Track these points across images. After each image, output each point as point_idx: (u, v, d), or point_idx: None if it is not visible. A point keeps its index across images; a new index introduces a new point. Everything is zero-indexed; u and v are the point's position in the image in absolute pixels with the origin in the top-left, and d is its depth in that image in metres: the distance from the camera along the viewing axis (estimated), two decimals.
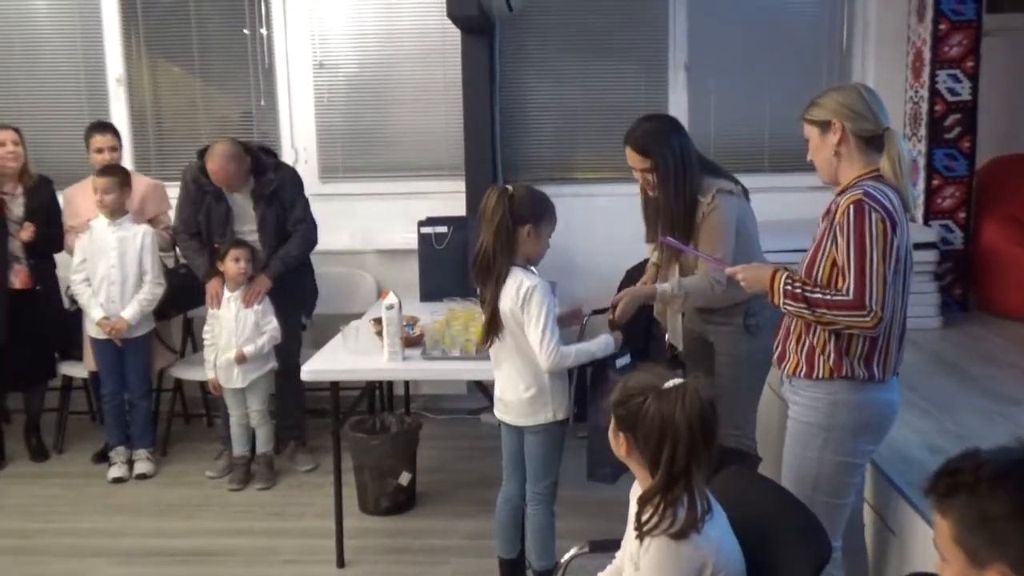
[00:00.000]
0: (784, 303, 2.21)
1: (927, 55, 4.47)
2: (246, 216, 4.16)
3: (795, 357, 2.28)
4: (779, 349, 2.38)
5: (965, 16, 4.38)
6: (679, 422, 1.66)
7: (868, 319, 2.09)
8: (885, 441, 2.64)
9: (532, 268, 2.81)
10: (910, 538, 2.32)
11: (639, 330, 3.29)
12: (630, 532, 1.82)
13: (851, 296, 2.10)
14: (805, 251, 2.32)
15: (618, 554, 1.92)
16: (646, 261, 4.05)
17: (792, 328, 2.31)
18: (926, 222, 4.50)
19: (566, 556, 2.23)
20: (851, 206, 2.11)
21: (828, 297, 2.14)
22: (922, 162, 4.53)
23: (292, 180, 4.25)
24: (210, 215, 4.13)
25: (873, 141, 2.21)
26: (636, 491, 1.85)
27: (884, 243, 2.09)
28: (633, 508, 1.83)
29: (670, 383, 1.71)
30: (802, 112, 2.33)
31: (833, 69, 4.93)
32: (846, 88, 2.32)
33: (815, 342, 2.23)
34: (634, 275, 3.90)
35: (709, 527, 1.66)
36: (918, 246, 4.20)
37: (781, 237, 3.60)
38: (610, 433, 1.79)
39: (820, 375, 2.23)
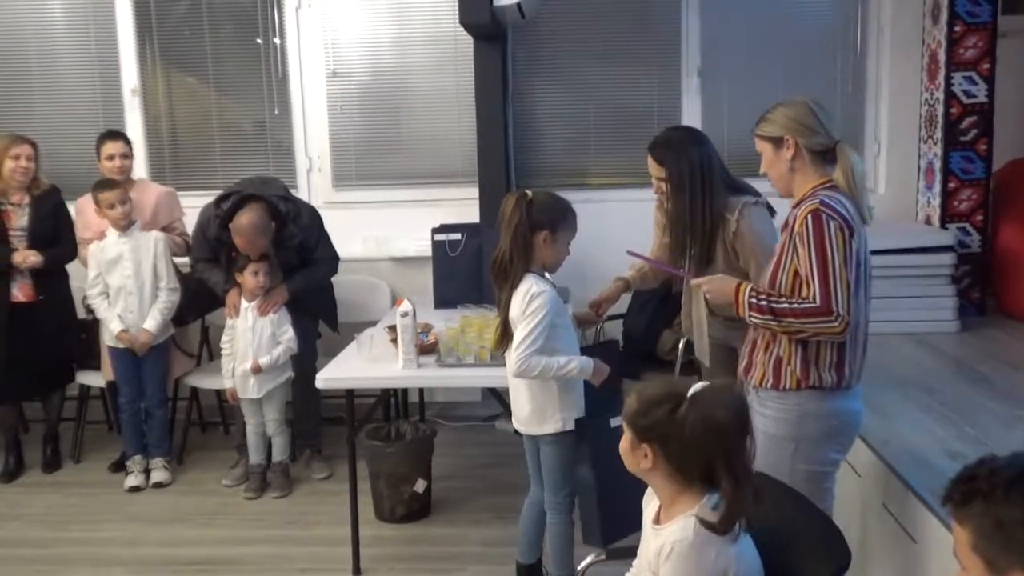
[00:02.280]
0: (750, 315, 2.25)
1: (942, 57, 4.44)
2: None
3: (761, 368, 2.31)
4: (745, 360, 2.40)
5: (980, 18, 4.35)
6: (724, 422, 1.64)
7: (836, 324, 2.14)
8: (903, 446, 2.64)
9: (547, 275, 2.80)
10: (931, 545, 2.29)
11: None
12: (646, 537, 1.81)
13: (817, 303, 2.14)
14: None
15: (635, 562, 1.90)
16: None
17: (759, 339, 2.33)
18: (943, 225, 4.47)
19: (583, 563, 2.22)
20: (809, 215, 2.17)
21: (794, 306, 2.18)
22: (938, 165, 4.50)
23: (311, 225, 4.27)
24: (229, 262, 4.14)
25: (826, 154, 2.29)
26: (649, 498, 1.84)
27: (844, 249, 2.14)
28: (648, 515, 1.82)
29: (696, 387, 1.69)
30: (755, 127, 2.39)
31: (847, 73, 4.91)
32: (796, 103, 2.35)
33: (782, 353, 2.27)
34: None
35: (730, 536, 1.64)
36: (935, 249, 4.19)
37: None
38: (625, 448, 1.75)
39: (787, 386, 2.26)
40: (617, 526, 2.83)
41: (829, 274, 2.14)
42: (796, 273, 2.22)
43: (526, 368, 2.66)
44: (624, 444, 1.75)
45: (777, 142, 2.32)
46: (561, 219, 2.75)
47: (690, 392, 1.68)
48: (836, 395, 2.26)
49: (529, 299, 2.67)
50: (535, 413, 2.82)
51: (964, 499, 1.30)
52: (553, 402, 2.79)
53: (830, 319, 2.14)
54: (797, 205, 2.28)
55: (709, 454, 1.64)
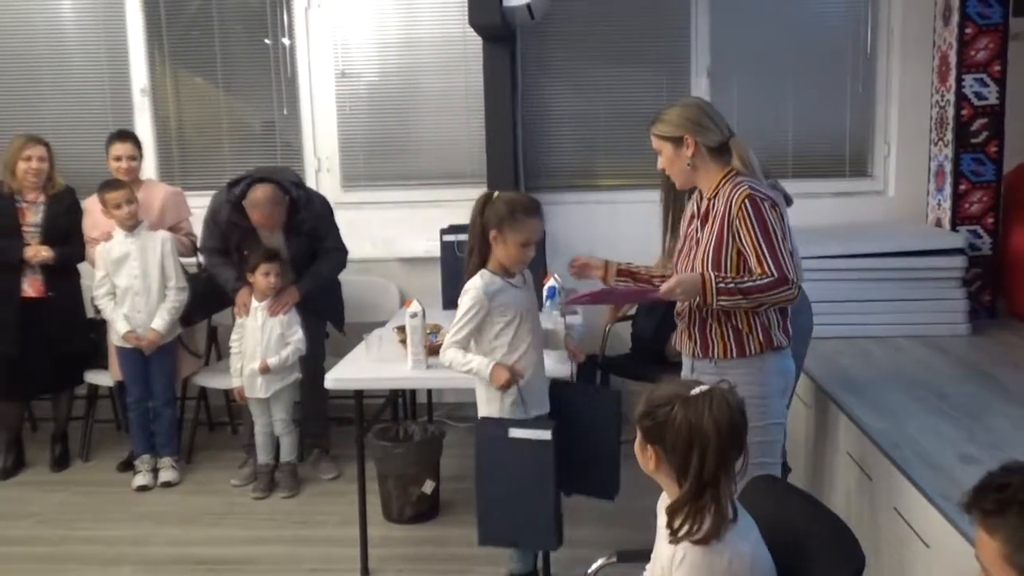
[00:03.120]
0: (719, 300, 2.42)
1: (953, 59, 4.42)
2: (277, 243, 4.17)
3: (721, 342, 2.52)
4: (697, 340, 2.57)
5: (992, 20, 4.33)
6: (708, 428, 1.64)
7: (793, 290, 2.41)
8: (914, 450, 2.65)
9: (497, 274, 2.82)
10: (944, 550, 2.28)
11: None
12: (660, 543, 1.80)
13: (775, 275, 2.39)
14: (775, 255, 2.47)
15: (648, 566, 1.90)
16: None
17: (710, 316, 2.52)
18: (953, 228, 4.45)
19: (594, 566, 2.21)
20: (746, 201, 2.42)
21: (758, 282, 2.40)
22: (949, 167, 4.49)
23: (323, 212, 4.27)
24: (240, 244, 4.14)
25: (721, 149, 2.54)
26: (664, 502, 1.83)
27: (781, 225, 2.44)
28: (662, 519, 1.81)
29: (696, 390, 1.70)
30: (649, 125, 2.59)
31: (857, 74, 4.89)
32: (690, 104, 2.61)
33: (740, 325, 2.50)
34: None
35: (742, 540, 1.64)
36: (945, 252, 4.17)
37: (807, 244, 3.57)
38: (636, 448, 1.76)
39: (751, 352, 2.51)
40: (491, 529, 2.98)
41: (776, 248, 2.41)
42: (739, 254, 2.46)
43: (441, 359, 2.87)
44: (636, 445, 1.76)
45: (676, 141, 2.54)
46: (508, 218, 2.76)
47: (691, 393, 1.69)
48: (784, 352, 2.56)
49: (462, 294, 2.82)
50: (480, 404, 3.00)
51: (997, 508, 1.26)
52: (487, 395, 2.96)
53: (788, 287, 2.40)
54: (714, 196, 2.52)
55: (687, 457, 1.65)
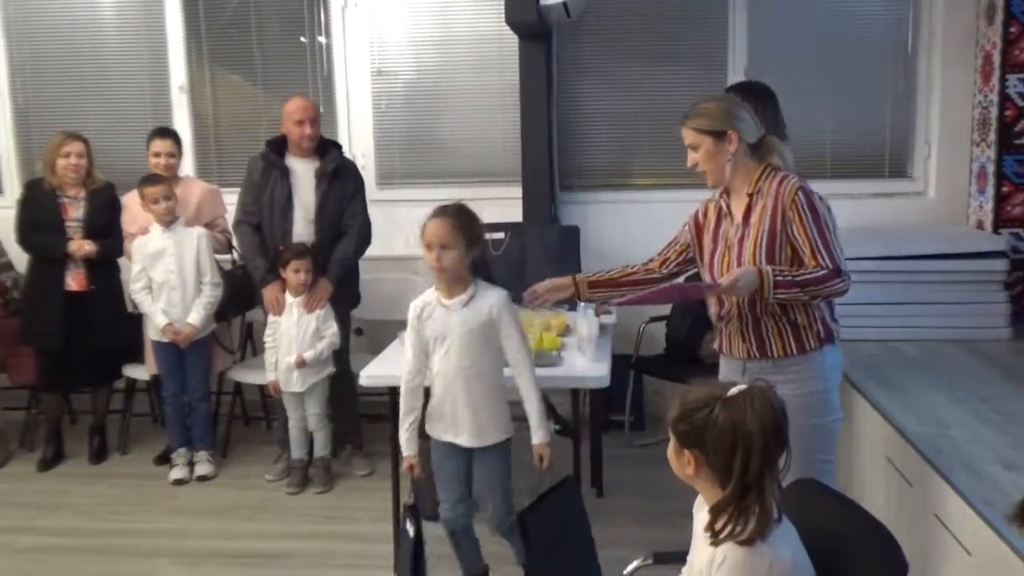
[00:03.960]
0: (776, 293, 2.38)
1: (997, 59, 4.35)
2: (307, 197, 4.18)
3: (779, 340, 2.49)
4: (752, 342, 2.53)
5: None
6: (752, 427, 1.62)
7: (846, 283, 2.40)
8: (955, 455, 2.61)
9: (440, 290, 2.94)
10: (986, 558, 2.25)
11: None
12: (697, 546, 1.79)
13: (830, 267, 2.38)
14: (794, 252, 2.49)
15: (684, 569, 1.88)
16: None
17: (764, 315, 2.49)
18: (995, 230, 4.37)
19: (629, 568, 2.20)
20: (799, 193, 2.42)
21: (814, 275, 2.38)
22: (991, 168, 4.42)
23: (355, 172, 4.34)
24: (273, 195, 4.16)
25: (757, 146, 2.53)
26: (700, 505, 1.81)
27: (831, 218, 2.45)
28: (699, 522, 1.80)
29: (735, 390, 1.67)
30: (685, 119, 2.54)
31: (898, 73, 4.83)
32: (731, 99, 2.59)
33: (797, 319, 2.48)
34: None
35: (782, 544, 1.62)
36: (987, 255, 4.10)
37: (845, 245, 3.52)
38: (671, 453, 1.73)
39: (811, 347, 2.49)
40: None
41: (829, 241, 2.41)
42: (792, 247, 2.44)
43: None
44: (669, 450, 1.74)
45: (719, 136, 2.49)
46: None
47: (729, 393, 1.66)
48: (838, 345, 2.56)
49: None
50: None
51: None
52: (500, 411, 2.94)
53: (842, 279, 2.39)
54: (755, 192, 2.49)
55: (730, 458, 1.62)
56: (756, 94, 3.46)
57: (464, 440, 2.93)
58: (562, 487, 2.87)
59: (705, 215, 2.69)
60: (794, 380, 2.47)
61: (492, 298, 2.84)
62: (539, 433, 2.91)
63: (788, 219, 2.43)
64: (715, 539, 1.63)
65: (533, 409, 2.92)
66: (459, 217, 2.80)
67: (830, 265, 2.38)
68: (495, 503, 3.01)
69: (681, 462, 1.72)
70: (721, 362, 2.74)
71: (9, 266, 4.78)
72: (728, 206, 2.59)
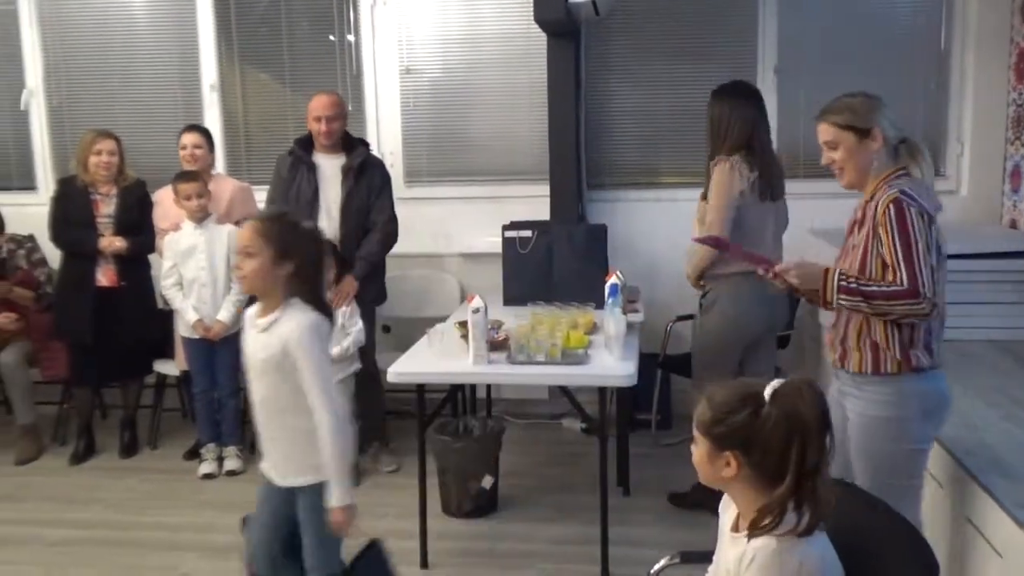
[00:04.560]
0: (839, 298, 2.33)
1: None
2: (332, 193, 4.21)
3: (858, 355, 2.40)
4: (838, 350, 2.48)
5: None
6: (807, 418, 1.59)
7: (924, 305, 2.25)
8: (987, 457, 2.57)
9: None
10: (1017, 560, 2.22)
11: None
12: (723, 544, 1.78)
13: (905, 286, 2.25)
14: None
15: (711, 568, 1.87)
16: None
17: (850, 327, 2.43)
18: None
19: (656, 567, 2.19)
20: (891, 205, 2.28)
21: (883, 289, 2.28)
22: None
23: (382, 168, 4.36)
24: (300, 191, 4.19)
25: (897, 147, 2.41)
26: (726, 505, 1.80)
27: (926, 235, 2.27)
28: (725, 522, 1.79)
29: (775, 384, 1.64)
30: (825, 114, 2.43)
31: (930, 71, 4.78)
32: (874, 96, 2.43)
33: (877, 339, 2.37)
34: None
35: (812, 543, 1.60)
36: (1020, 254, 4.04)
37: None
38: (702, 459, 1.68)
39: (887, 370, 2.36)
40: None
41: (914, 258, 2.25)
42: (883, 261, 2.31)
43: None
44: (700, 455, 1.69)
45: (864, 133, 2.38)
46: None
47: (768, 390, 1.64)
48: (931, 374, 2.38)
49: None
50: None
51: None
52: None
53: (918, 300, 2.25)
54: (871, 199, 2.38)
55: (786, 454, 1.59)
56: (742, 94, 3.58)
57: (274, 477, 2.53)
58: (370, 551, 2.64)
59: (853, 214, 2.54)
60: (869, 400, 2.42)
61: (292, 323, 2.37)
62: (333, 495, 2.38)
63: (878, 232, 2.32)
64: (763, 531, 1.60)
65: (328, 465, 2.38)
66: (271, 223, 2.42)
67: (905, 284, 2.25)
68: (305, 555, 2.50)
69: (717, 466, 1.67)
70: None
71: (43, 262, 4.85)
72: (860, 210, 2.47)
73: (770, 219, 3.63)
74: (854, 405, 2.44)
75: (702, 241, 3.22)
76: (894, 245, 2.27)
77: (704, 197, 3.62)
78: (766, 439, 1.61)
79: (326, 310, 2.47)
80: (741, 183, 3.48)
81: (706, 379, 3.61)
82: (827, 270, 2.36)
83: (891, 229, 2.27)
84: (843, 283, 2.32)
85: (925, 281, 2.25)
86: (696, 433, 1.70)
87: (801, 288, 2.47)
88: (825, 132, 2.44)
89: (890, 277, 2.29)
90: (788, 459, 1.59)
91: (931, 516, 2.75)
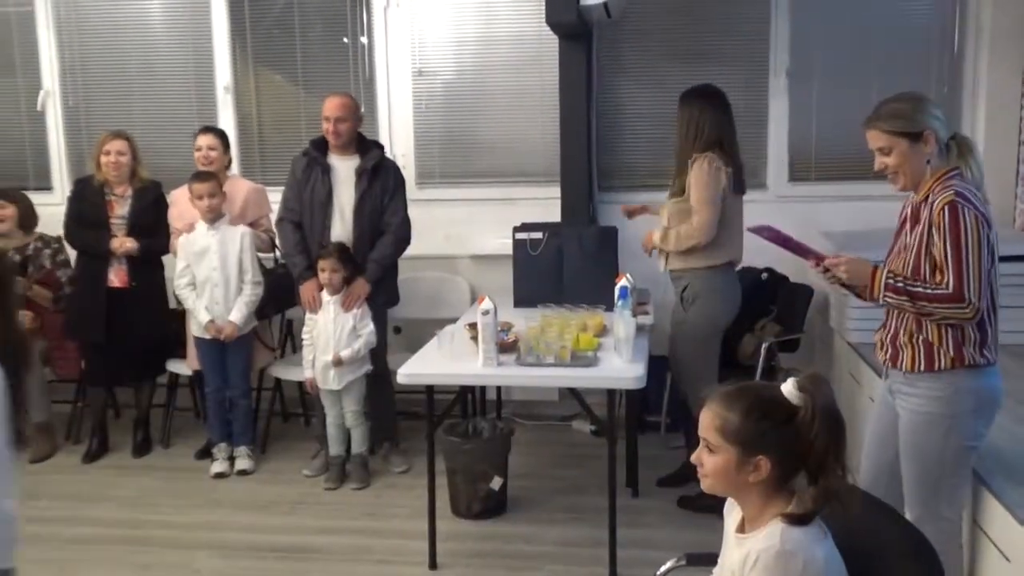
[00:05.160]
0: (885, 296, 2.40)
1: None
2: (346, 194, 4.22)
3: (911, 353, 2.44)
4: (889, 350, 2.52)
5: None
6: (837, 409, 1.63)
7: (967, 310, 2.30)
8: (996, 461, 2.56)
9: None
10: None
11: None
12: (728, 546, 1.79)
13: (951, 289, 2.30)
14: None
15: (715, 570, 1.88)
16: (759, 272, 4.19)
17: (902, 328, 2.47)
18: None
19: (662, 568, 2.19)
20: (946, 207, 2.31)
21: (929, 291, 2.33)
22: None
23: (396, 171, 4.36)
24: (314, 192, 4.21)
25: (946, 147, 2.45)
26: (731, 508, 1.81)
27: (978, 238, 2.29)
28: (731, 526, 1.79)
29: (798, 383, 1.64)
30: (875, 120, 2.45)
31: (943, 73, 4.76)
32: (923, 98, 2.48)
33: (931, 337, 2.40)
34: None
35: (816, 545, 1.61)
36: None
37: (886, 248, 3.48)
38: (726, 467, 1.66)
39: (941, 367, 2.39)
40: None
41: (963, 263, 2.29)
42: (934, 261, 2.36)
43: None
44: (723, 463, 1.66)
45: (916, 137, 2.41)
46: None
47: (794, 389, 1.63)
48: (985, 371, 2.41)
49: None
50: None
51: None
52: None
53: (962, 305, 2.30)
54: (925, 198, 2.41)
55: (830, 445, 1.60)
56: (709, 97, 3.71)
57: None
58: None
59: (902, 214, 2.59)
60: (921, 396, 2.45)
61: None
62: None
63: (932, 234, 2.36)
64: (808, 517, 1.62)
65: None
66: None
67: (951, 288, 2.30)
68: None
69: (744, 472, 1.65)
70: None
71: (67, 263, 4.86)
72: (912, 209, 2.50)
73: (741, 211, 3.81)
74: (906, 403, 2.49)
75: (756, 231, 2.98)
76: (945, 248, 2.31)
77: (676, 195, 3.76)
78: (807, 437, 1.61)
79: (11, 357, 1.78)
80: (723, 178, 3.64)
81: (698, 374, 3.75)
82: (876, 268, 2.44)
83: (944, 231, 2.31)
84: (890, 282, 2.39)
85: (971, 285, 2.29)
86: (718, 441, 1.67)
87: (848, 283, 2.53)
88: (877, 139, 2.46)
89: (938, 278, 2.34)
90: (827, 452, 1.60)
91: None
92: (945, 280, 2.31)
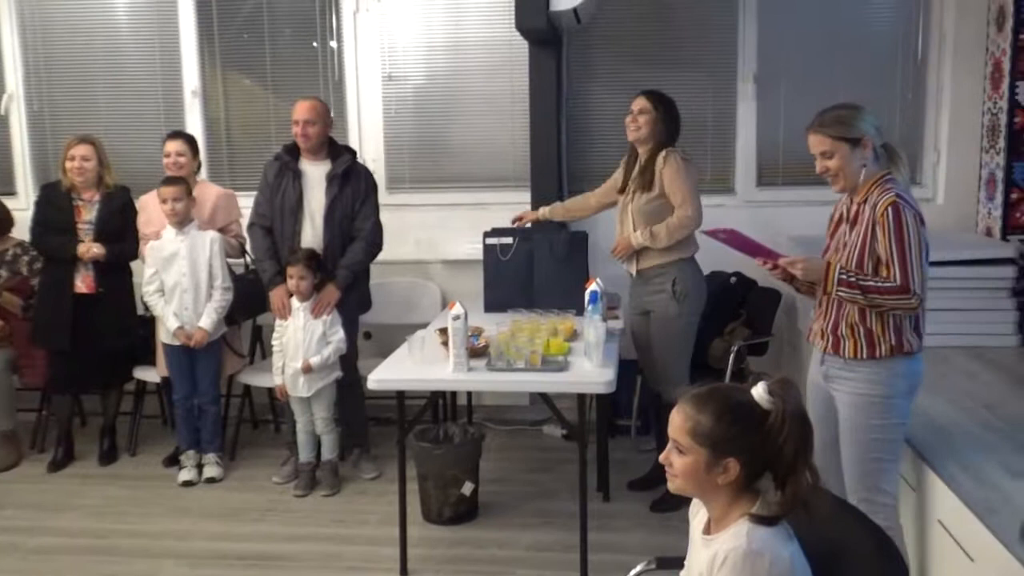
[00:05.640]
0: (838, 290, 2.56)
1: (1007, 66, 4.34)
2: (317, 200, 4.20)
3: (852, 341, 2.62)
4: (830, 338, 2.68)
5: None
6: (805, 412, 1.65)
7: (913, 301, 2.51)
8: (960, 462, 2.62)
9: None
10: (988, 564, 2.25)
11: None
12: (694, 548, 1.80)
13: (898, 282, 2.50)
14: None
15: (682, 573, 1.89)
16: (728, 276, 4.23)
17: (843, 318, 2.64)
18: (1004, 237, 4.37)
19: (633, 572, 2.20)
20: (889, 207, 2.51)
21: (878, 284, 2.52)
22: (1000, 175, 4.41)
23: (367, 176, 4.34)
24: (285, 197, 4.19)
25: (879, 152, 2.63)
26: (696, 510, 1.82)
27: (918, 236, 2.51)
28: (696, 527, 1.81)
29: (764, 387, 1.65)
30: (818, 127, 2.63)
31: (907, 80, 4.83)
32: (862, 107, 2.64)
33: (872, 327, 2.59)
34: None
35: (783, 545, 1.62)
36: (996, 261, 4.10)
37: None
38: (695, 469, 1.67)
39: (882, 354, 2.59)
40: None
41: (907, 258, 2.49)
42: (879, 257, 2.55)
43: None
44: (692, 464, 1.67)
45: (855, 142, 2.59)
46: None
47: (765, 394, 1.64)
48: (915, 357, 2.64)
49: None
50: None
51: None
52: None
53: (908, 297, 2.50)
54: (864, 200, 2.60)
55: (799, 450, 1.61)
56: (665, 102, 3.82)
57: None
58: None
59: (835, 214, 2.79)
60: (862, 381, 2.63)
61: None
62: None
63: (876, 232, 2.54)
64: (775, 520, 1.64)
65: None
66: None
67: (899, 281, 2.49)
68: None
69: (713, 474, 1.66)
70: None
71: (44, 271, 4.79)
72: (848, 210, 2.70)
73: None
74: (845, 386, 2.67)
75: (711, 234, 3.04)
76: (890, 244, 2.50)
77: (643, 190, 3.82)
78: (777, 440, 1.62)
79: None
80: (694, 169, 3.84)
81: (683, 368, 3.86)
82: (829, 264, 2.59)
83: (889, 230, 2.50)
84: (843, 277, 2.55)
85: (915, 279, 2.49)
86: (688, 443, 1.67)
87: (803, 279, 2.70)
88: (820, 143, 2.63)
89: (884, 273, 2.54)
90: (796, 456, 1.61)
91: (903, 520, 2.78)
92: (892, 274, 2.51)
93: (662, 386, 3.96)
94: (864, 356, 2.61)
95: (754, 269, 4.24)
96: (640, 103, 3.84)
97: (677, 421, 1.70)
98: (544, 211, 4.34)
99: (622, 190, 4.00)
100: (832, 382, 2.72)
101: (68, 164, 4.37)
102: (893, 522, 2.62)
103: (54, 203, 4.42)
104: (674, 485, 1.73)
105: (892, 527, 2.56)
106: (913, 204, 2.54)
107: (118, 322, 4.49)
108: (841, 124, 2.60)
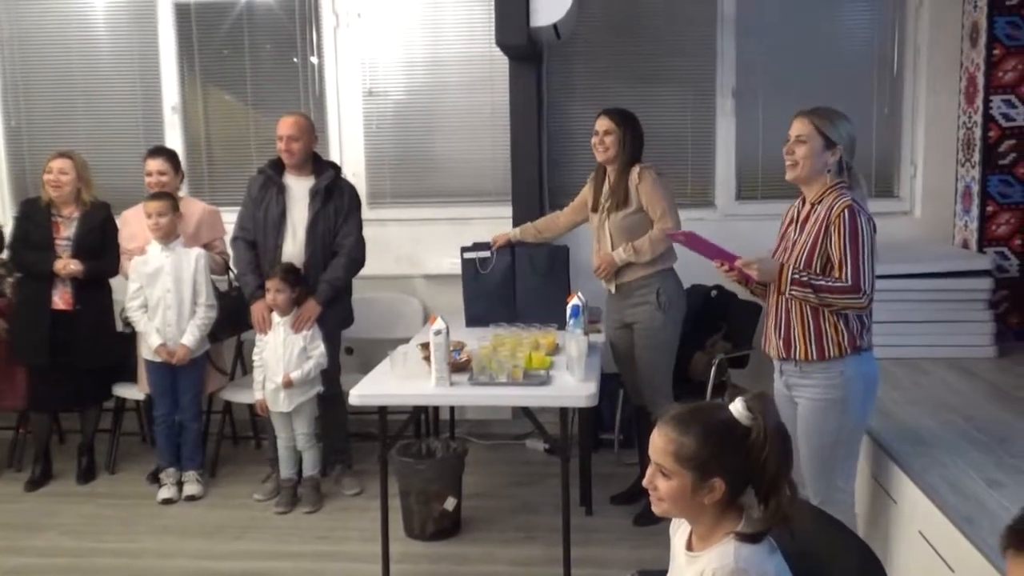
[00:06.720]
0: (791, 289, 2.64)
1: (981, 80, 4.41)
2: (299, 214, 4.19)
3: (802, 344, 2.70)
4: (780, 342, 2.76)
5: (1020, 41, 4.32)
6: (785, 428, 1.67)
7: (863, 300, 2.60)
8: (939, 473, 2.62)
9: None
10: (968, 575, 2.26)
11: None
12: (678, 566, 1.79)
13: (849, 282, 2.58)
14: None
15: None
16: (708, 289, 4.25)
17: (796, 321, 2.71)
18: (980, 249, 4.42)
19: None
20: (845, 210, 2.60)
21: (830, 283, 2.60)
22: (976, 188, 4.47)
23: (350, 192, 4.33)
24: (268, 211, 4.19)
25: (841, 169, 2.72)
26: (678, 526, 1.82)
27: (871, 240, 2.61)
28: (679, 543, 1.81)
29: (743, 403, 1.65)
30: (809, 112, 2.72)
31: (884, 95, 4.89)
32: (851, 121, 2.74)
33: (824, 327, 2.67)
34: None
35: (766, 560, 1.63)
36: (972, 273, 4.14)
37: None
38: (681, 491, 1.65)
39: (831, 355, 2.66)
40: None
41: (859, 259, 2.58)
42: (828, 257, 2.64)
43: None
44: (679, 487, 1.65)
45: (830, 143, 2.68)
46: None
47: (744, 411, 1.64)
48: (867, 356, 2.71)
49: None
50: None
51: None
52: None
53: (858, 296, 2.59)
54: (818, 202, 2.70)
55: (780, 465, 1.62)
56: (628, 119, 3.89)
57: None
58: None
59: (785, 218, 2.90)
60: (816, 385, 2.71)
61: None
62: None
63: (829, 233, 2.62)
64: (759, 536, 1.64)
65: None
66: None
67: (850, 281, 2.58)
68: None
69: (699, 495, 1.65)
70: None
71: None
72: (799, 212, 2.80)
73: None
74: (803, 392, 2.74)
75: (672, 237, 3.39)
76: (844, 246, 2.59)
77: (617, 207, 3.84)
78: (759, 457, 1.62)
79: None
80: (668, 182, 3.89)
81: (663, 382, 3.88)
82: (782, 265, 2.67)
83: (844, 232, 2.59)
84: (796, 276, 2.63)
85: (865, 279, 2.58)
86: (673, 466, 1.65)
87: (759, 280, 2.75)
88: (802, 127, 2.72)
89: (836, 273, 2.62)
90: (777, 471, 1.62)
91: (884, 531, 2.80)
92: (843, 274, 2.59)
93: (646, 399, 3.96)
94: (815, 358, 2.68)
95: (733, 283, 4.28)
96: (604, 123, 3.85)
97: (660, 444, 1.68)
98: (515, 232, 4.32)
99: (594, 208, 4.00)
100: (793, 390, 2.79)
101: (46, 177, 4.34)
102: (850, 514, 2.70)
103: (33, 218, 4.39)
104: (660, 509, 1.71)
105: (850, 519, 2.64)
106: (867, 210, 2.64)
107: (96, 339, 4.44)
108: (827, 119, 2.69)
